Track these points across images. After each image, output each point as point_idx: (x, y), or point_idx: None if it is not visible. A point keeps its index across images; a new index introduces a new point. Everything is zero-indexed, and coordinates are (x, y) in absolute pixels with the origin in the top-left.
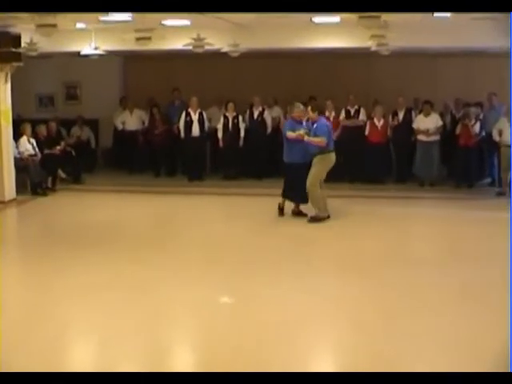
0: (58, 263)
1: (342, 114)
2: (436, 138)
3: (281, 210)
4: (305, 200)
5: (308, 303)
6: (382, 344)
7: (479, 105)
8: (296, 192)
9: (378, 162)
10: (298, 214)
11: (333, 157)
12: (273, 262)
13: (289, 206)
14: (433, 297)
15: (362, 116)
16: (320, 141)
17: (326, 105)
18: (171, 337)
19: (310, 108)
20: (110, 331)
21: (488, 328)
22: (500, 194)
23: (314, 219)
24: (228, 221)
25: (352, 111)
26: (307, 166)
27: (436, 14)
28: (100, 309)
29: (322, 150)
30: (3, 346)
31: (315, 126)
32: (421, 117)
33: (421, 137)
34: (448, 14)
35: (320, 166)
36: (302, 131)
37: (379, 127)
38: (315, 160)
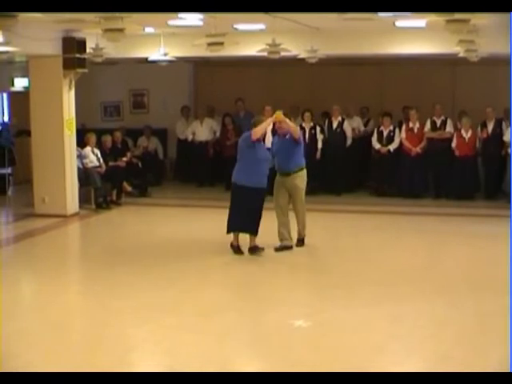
0: (123, 282)
1: (428, 125)
2: None
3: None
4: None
5: (387, 329)
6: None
7: None
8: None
9: (465, 177)
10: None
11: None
12: (353, 286)
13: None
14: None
15: (449, 128)
16: (296, 128)
17: (410, 115)
18: (241, 362)
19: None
20: (178, 356)
21: None
22: None
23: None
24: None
25: (438, 122)
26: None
27: None
28: (166, 331)
29: (299, 166)
30: (65, 368)
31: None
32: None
33: None
34: None
35: (303, 185)
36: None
37: (467, 139)
38: (294, 180)
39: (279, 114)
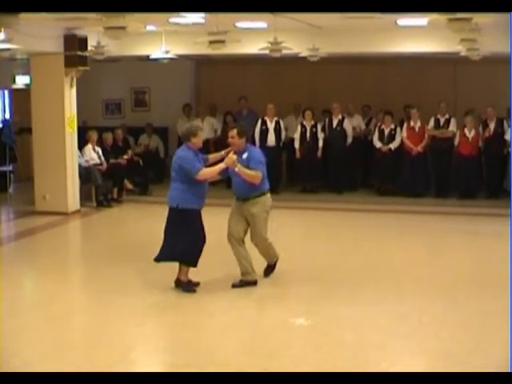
0: (124, 280)
1: (431, 123)
2: None
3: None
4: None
5: (389, 328)
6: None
7: None
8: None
9: (468, 176)
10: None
11: (270, 199)
12: (354, 284)
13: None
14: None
15: (452, 127)
16: (255, 175)
17: (412, 113)
18: (241, 361)
19: (235, 132)
20: (180, 353)
21: None
22: None
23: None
24: (305, 238)
25: (442, 121)
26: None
27: None
28: (165, 331)
29: (259, 191)
30: (65, 366)
31: (245, 156)
32: None
33: None
34: None
35: (264, 214)
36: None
37: (470, 139)
38: (252, 207)
39: (231, 158)
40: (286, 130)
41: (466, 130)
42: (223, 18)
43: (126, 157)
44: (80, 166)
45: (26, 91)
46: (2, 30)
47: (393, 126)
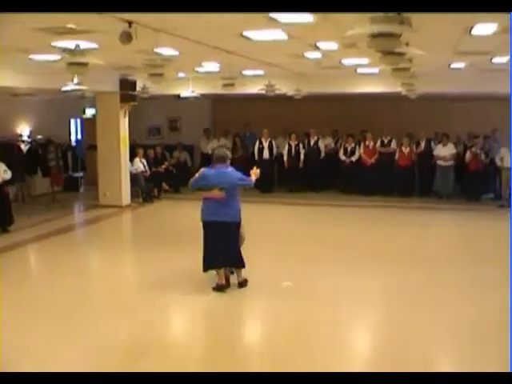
0: (166, 257)
1: (378, 143)
2: (451, 162)
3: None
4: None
5: (354, 290)
6: (410, 336)
7: (487, 137)
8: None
9: (405, 180)
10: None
11: None
12: (332, 256)
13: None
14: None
15: (393, 145)
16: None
17: (367, 136)
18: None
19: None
20: (194, 326)
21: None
22: (501, 206)
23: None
24: (292, 223)
25: (386, 141)
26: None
27: (452, 66)
28: (194, 295)
29: None
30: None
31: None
32: (440, 146)
33: (440, 162)
34: (462, 66)
35: None
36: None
37: (406, 153)
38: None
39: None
40: (278, 147)
41: (403, 148)
42: (233, 68)
43: (163, 166)
44: (130, 172)
45: (92, 119)
46: (76, 76)
47: (353, 145)
